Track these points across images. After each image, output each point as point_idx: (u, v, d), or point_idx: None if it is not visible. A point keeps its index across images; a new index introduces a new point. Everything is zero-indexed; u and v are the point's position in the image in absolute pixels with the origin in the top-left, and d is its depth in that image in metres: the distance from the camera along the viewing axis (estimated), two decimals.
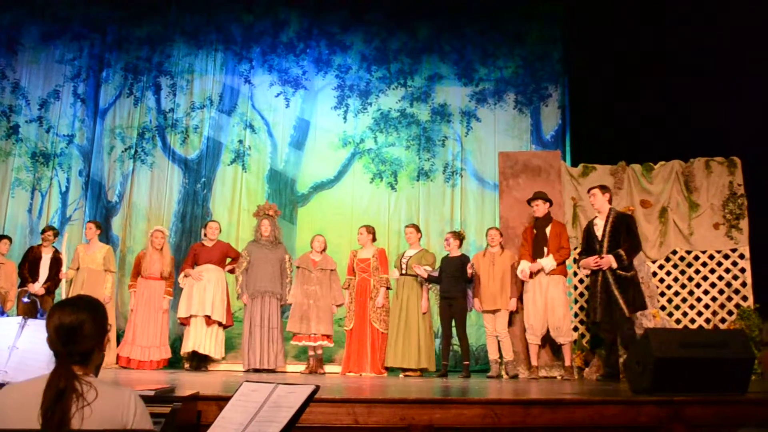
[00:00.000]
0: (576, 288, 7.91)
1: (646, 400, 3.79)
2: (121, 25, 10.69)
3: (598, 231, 6.58)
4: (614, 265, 6.33)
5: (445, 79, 10.61)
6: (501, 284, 7.28)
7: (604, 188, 6.78)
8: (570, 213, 7.98)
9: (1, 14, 10.53)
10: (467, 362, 7.42)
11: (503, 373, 7.25)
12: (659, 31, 8.80)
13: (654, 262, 7.88)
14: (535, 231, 7.15)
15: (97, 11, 10.67)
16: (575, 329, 7.70)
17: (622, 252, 6.33)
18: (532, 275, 7.01)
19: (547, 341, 7.19)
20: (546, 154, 8.49)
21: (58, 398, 1.96)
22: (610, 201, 6.68)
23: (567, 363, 6.99)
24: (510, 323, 7.33)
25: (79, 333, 2.08)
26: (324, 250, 8.01)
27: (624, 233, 6.44)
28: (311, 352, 7.74)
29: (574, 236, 7.74)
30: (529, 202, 7.28)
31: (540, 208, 7.18)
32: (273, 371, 7.64)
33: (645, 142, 8.53)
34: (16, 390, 2.06)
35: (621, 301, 6.27)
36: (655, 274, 7.84)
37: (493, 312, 7.28)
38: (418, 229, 8.05)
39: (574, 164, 8.51)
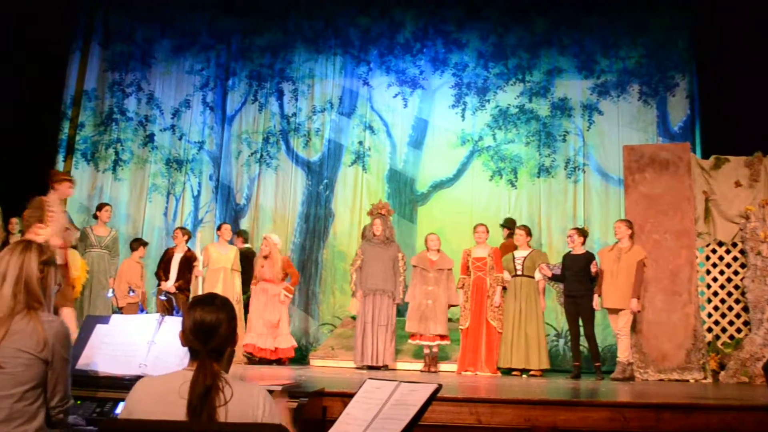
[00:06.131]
0: (709, 287, 7.48)
1: None
2: (245, 35, 11.15)
3: None
4: None
5: (564, 73, 10.40)
6: (625, 282, 6.96)
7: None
8: (701, 208, 7.56)
9: (135, 31, 11.23)
10: (598, 363, 7.19)
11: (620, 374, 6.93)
12: None
13: None
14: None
15: (222, 23, 11.19)
16: (709, 330, 7.31)
17: None
18: None
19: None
20: (674, 146, 8.11)
21: (205, 394, 2.04)
22: None
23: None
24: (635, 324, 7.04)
25: (217, 332, 2.16)
26: (439, 248, 7.97)
27: None
28: (427, 351, 7.74)
29: (707, 232, 7.35)
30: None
31: None
32: (383, 368, 7.60)
33: None
34: (152, 383, 2.17)
35: None
36: None
37: (616, 311, 7.03)
38: (528, 231, 7.91)
39: (705, 156, 8.09)
